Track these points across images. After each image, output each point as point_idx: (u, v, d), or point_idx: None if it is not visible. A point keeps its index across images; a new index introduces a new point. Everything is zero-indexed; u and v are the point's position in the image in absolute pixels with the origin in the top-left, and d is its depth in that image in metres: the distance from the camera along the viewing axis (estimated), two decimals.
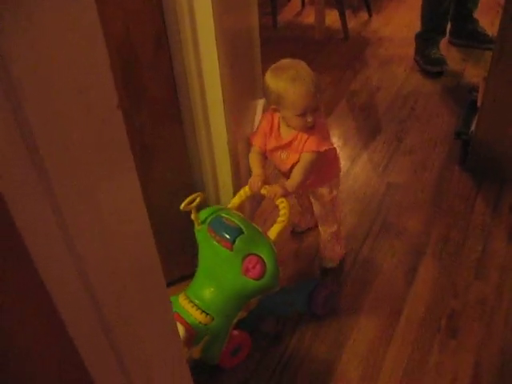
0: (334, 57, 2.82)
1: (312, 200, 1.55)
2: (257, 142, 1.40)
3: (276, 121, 1.37)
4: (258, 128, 1.42)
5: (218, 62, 1.25)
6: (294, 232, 1.76)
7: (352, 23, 3.10)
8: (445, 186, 1.93)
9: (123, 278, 0.50)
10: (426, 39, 2.60)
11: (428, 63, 2.57)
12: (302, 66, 1.29)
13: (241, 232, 1.20)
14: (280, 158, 1.39)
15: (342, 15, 2.90)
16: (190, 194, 1.48)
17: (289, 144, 1.34)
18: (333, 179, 1.49)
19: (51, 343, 0.48)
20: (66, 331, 0.45)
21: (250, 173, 1.43)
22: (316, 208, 1.55)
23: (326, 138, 1.34)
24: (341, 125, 2.28)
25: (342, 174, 1.90)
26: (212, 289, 1.23)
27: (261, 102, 2.08)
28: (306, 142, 1.31)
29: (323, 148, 1.31)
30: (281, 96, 1.27)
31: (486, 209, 1.81)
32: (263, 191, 1.32)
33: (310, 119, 1.28)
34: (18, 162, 0.35)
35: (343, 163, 2.04)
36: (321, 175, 1.44)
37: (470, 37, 2.73)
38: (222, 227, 1.22)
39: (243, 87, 1.72)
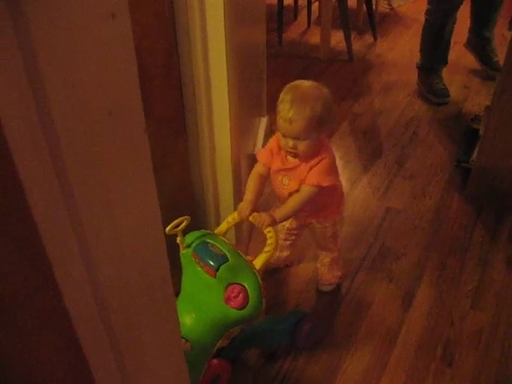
0: (338, 78, 2.85)
1: (312, 231, 1.54)
2: (262, 159, 1.39)
3: None
4: (267, 145, 1.41)
5: (226, 79, 1.27)
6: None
7: (357, 45, 3.14)
8: (444, 212, 1.94)
9: (133, 285, 0.50)
10: (427, 69, 2.63)
11: (430, 92, 2.60)
12: (310, 94, 1.25)
13: (226, 260, 1.18)
14: (281, 183, 1.36)
15: (348, 37, 2.93)
16: (190, 209, 1.49)
17: (293, 169, 1.32)
18: (336, 216, 1.48)
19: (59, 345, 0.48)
20: (74, 332, 0.45)
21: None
22: (316, 238, 1.55)
23: (330, 173, 1.31)
24: (342, 146, 2.30)
25: None
26: (193, 315, 1.21)
27: (264, 120, 2.10)
28: (308, 172, 1.29)
29: (325, 183, 1.29)
30: (277, 108, 1.27)
31: (485, 237, 1.83)
32: (251, 219, 1.31)
33: (288, 145, 1.25)
34: (45, 180, 0.36)
35: (343, 185, 2.05)
36: (323, 211, 1.43)
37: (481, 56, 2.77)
38: (207, 253, 1.20)
39: (248, 104, 1.74)
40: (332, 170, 1.32)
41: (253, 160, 1.84)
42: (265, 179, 1.41)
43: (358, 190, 2.06)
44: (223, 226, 1.35)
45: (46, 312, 0.41)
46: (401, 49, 3.14)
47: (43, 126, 0.36)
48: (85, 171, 0.38)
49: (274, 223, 1.28)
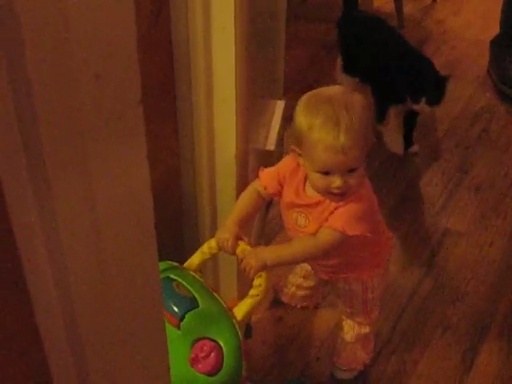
0: None
1: (335, 290, 1.51)
2: (265, 180, 1.35)
3: (304, 169, 1.30)
4: (275, 167, 1.38)
5: (234, 43, 1.28)
6: (278, 301, 1.74)
7: (409, 7, 3.16)
8: None
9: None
10: (504, 48, 2.63)
11: (503, 82, 2.59)
12: (350, 104, 1.21)
13: (194, 305, 1.18)
14: (295, 223, 1.33)
15: None
16: (177, 214, 1.48)
17: (313, 206, 1.29)
18: (372, 276, 1.42)
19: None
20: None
21: None
22: (340, 300, 1.51)
23: (363, 219, 1.26)
24: (382, 144, 2.31)
25: None
26: None
27: (280, 105, 2.12)
28: (332, 211, 1.25)
29: (352, 231, 1.23)
30: (302, 136, 1.22)
31: None
32: (238, 252, 1.30)
33: (336, 184, 1.20)
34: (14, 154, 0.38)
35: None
36: (355, 267, 1.40)
37: None
38: (169, 295, 1.18)
39: (261, 81, 1.76)
40: (366, 215, 1.28)
41: (264, 157, 1.86)
42: (262, 203, 1.39)
43: (405, 204, 2.07)
44: (196, 258, 1.33)
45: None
46: (469, 14, 3.16)
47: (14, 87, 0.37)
48: (62, 148, 0.40)
49: (262, 268, 1.25)
